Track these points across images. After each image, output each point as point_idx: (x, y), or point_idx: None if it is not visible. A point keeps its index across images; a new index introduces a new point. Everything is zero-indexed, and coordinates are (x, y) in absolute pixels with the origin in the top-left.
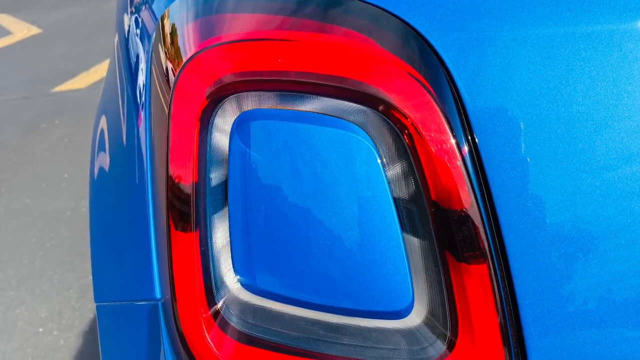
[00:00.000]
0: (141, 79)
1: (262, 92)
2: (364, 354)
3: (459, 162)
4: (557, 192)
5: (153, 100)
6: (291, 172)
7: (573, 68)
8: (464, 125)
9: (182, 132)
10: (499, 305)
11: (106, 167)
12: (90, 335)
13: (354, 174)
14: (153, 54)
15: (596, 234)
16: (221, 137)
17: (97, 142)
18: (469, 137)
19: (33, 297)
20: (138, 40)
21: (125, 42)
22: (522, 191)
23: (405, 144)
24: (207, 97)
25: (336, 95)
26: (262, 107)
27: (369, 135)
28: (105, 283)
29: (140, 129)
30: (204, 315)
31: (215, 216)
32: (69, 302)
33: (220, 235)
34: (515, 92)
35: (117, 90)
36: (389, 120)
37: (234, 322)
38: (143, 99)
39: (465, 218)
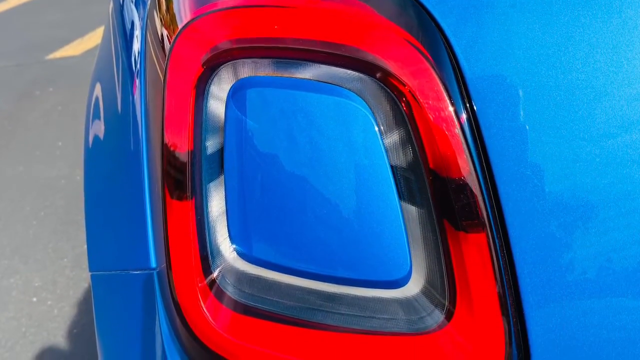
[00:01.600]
0: (136, 46)
1: (259, 59)
2: (361, 324)
3: (457, 130)
4: (556, 160)
5: (148, 68)
6: (287, 140)
7: (572, 34)
8: (463, 92)
9: (178, 99)
10: (498, 275)
11: (101, 135)
12: (84, 304)
13: (352, 141)
14: (148, 21)
15: (596, 202)
16: (217, 104)
17: (91, 109)
18: (467, 105)
19: (27, 266)
20: (133, 6)
21: (120, 8)
22: (521, 159)
23: (403, 111)
24: (203, 65)
25: (333, 62)
26: (259, 75)
27: (366, 103)
28: (100, 252)
29: (135, 97)
30: (199, 285)
31: (211, 184)
32: (63, 271)
33: (216, 203)
34: (514, 59)
35: (111, 57)
36: (386, 88)
37: (230, 291)
38: (138, 66)
39: (464, 186)
